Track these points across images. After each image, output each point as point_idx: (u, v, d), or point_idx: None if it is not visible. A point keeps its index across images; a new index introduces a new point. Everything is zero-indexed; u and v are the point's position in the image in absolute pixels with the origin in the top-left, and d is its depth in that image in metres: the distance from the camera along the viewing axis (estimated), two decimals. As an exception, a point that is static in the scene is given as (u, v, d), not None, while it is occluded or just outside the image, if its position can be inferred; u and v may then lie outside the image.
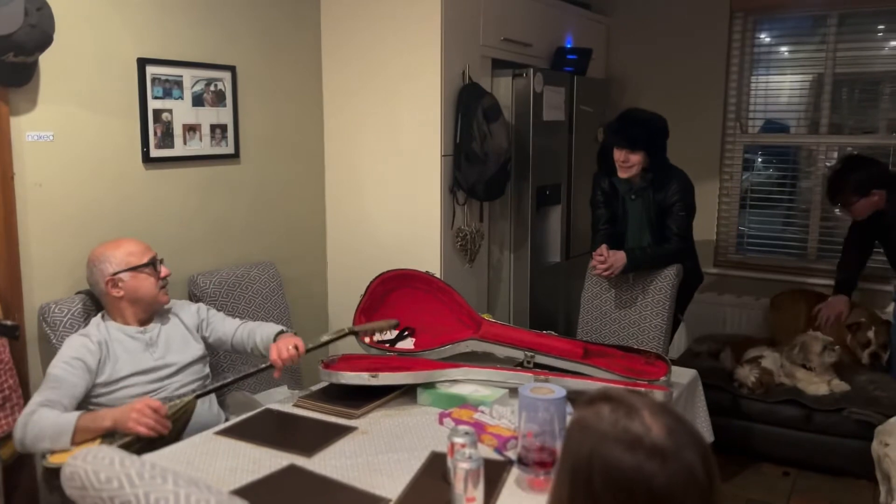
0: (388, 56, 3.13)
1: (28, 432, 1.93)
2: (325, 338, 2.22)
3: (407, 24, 3.06)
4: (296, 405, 2.14)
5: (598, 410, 0.91)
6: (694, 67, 4.29)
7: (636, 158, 2.84)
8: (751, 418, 3.32)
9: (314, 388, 2.26)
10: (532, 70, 3.39)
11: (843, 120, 4.11)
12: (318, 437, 1.91)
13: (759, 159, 4.41)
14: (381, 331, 2.20)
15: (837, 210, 3.63)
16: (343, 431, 1.95)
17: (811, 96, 4.17)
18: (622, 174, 2.91)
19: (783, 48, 4.26)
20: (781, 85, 4.25)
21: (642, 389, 2.11)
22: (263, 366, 2.15)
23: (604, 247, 2.91)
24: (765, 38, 4.28)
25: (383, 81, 3.16)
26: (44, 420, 1.93)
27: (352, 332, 2.21)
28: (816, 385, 3.26)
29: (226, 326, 2.39)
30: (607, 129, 2.98)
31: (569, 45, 3.97)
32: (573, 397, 2.01)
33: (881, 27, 3.98)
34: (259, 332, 2.32)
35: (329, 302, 3.46)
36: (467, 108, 3.09)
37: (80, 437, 1.92)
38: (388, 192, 3.23)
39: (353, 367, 2.17)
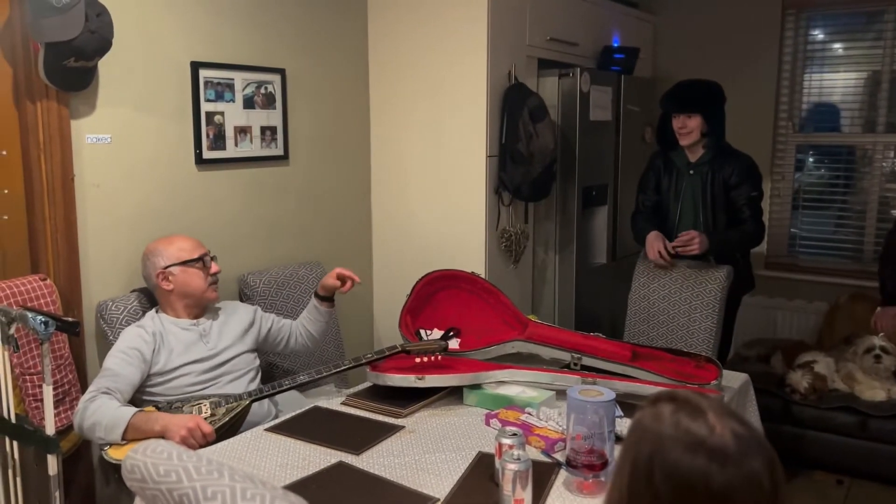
0: (433, 57, 3.15)
1: (86, 418, 2.00)
2: (372, 355, 2.24)
3: (453, 24, 3.07)
4: (344, 403, 2.17)
5: (660, 410, 0.90)
6: (744, 66, 4.21)
7: (694, 123, 2.82)
8: (803, 424, 3.25)
9: (361, 386, 2.28)
10: (579, 70, 3.36)
11: (899, 119, 3.99)
12: (365, 435, 1.93)
13: (811, 159, 4.30)
14: (432, 353, 2.21)
15: None
16: (390, 430, 1.97)
17: (866, 94, 4.05)
18: (683, 141, 2.88)
19: (837, 45, 4.15)
20: (835, 83, 4.14)
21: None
22: (317, 375, 2.19)
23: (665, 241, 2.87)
24: (818, 34, 4.17)
25: (429, 83, 3.18)
26: (102, 409, 1.99)
27: (404, 351, 2.23)
28: (874, 390, 3.17)
29: (281, 326, 2.52)
30: (662, 99, 2.96)
31: (616, 45, 3.93)
32: (621, 400, 2.00)
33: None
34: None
35: (374, 302, 3.49)
36: (513, 108, 3.09)
37: (132, 434, 1.97)
38: (434, 192, 3.24)
39: (399, 369, 2.18)
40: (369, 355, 2.21)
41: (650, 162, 3.08)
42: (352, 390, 2.28)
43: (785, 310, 4.13)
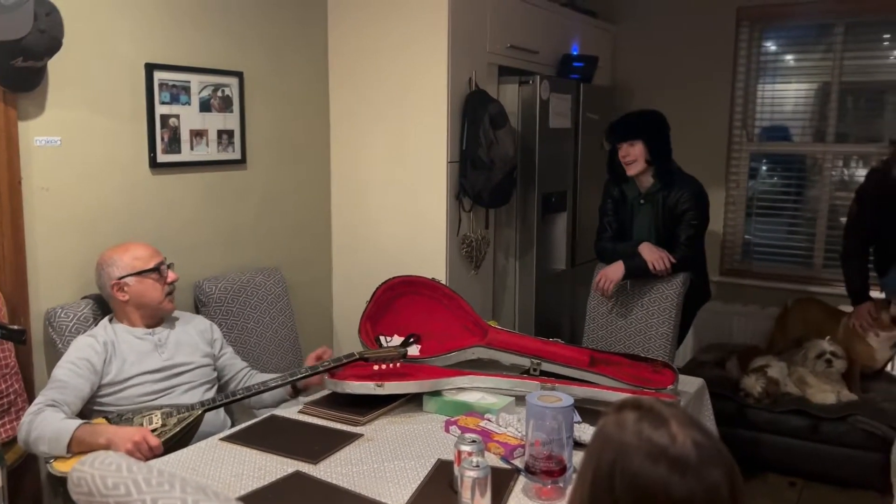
0: (394, 63, 3.14)
1: (31, 431, 1.94)
2: (330, 363, 2.20)
3: (414, 30, 3.07)
4: (301, 412, 2.13)
5: (624, 418, 0.90)
6: (700, 75, 4.29)
7: (636, 151, 2.85)
8: (756, 428, 3.31)
9: (319, 394, 2.25)
10: (538, 77, 3.39)
11: (849, 129, 4.10)
12: (323, 443, 1.91)
13: (765, 167, 4.40)
14: (391, 360, 2.18)
15: None
16: (348, 438, 1.95)
17: (817, 105, 4.16)
18: (629, 171, 2.91)
19: (789, 56, 4.26)
20: (787, 94, 4.25)
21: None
22: (273, 384, 2.15)
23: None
24: (771, 46, 4.28)
25: (390, 88, 3.17)
26: (46, 422, 1.93)
27: (362, 358, 2.20)
28: (824, 394, 3.25)
29: (232, 362, 2.41)
30: (606, 131, 2.99)
31: (575, 53, 3.97)
32: (580, 405, 2.01)
33: (887, 36, 3.97)
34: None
35: (334, 308, 3.46)
36: (474, 114, 3.09)
37: (77, 447, 1.91)
38: (394, 198, 3.22)
39: (358, 376, 2.16)
40: (327, 363, 2.19)
41: (605, 189, 3.12)
42: (309, 398, 2.25)
43: (740, 315, 4.21)
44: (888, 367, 3.49)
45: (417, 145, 3.13)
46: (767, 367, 3.40)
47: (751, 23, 4.21)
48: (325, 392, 2.23)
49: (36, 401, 1.99)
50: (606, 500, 0.87)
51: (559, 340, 2.52)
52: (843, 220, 3.83)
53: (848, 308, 3.49)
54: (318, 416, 2.09)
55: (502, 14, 3.34)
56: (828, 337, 3.35)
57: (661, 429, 0.87)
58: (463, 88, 3.12)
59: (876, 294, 3.37)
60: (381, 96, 3.19)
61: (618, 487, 0.86)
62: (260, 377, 2.37)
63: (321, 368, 2.17)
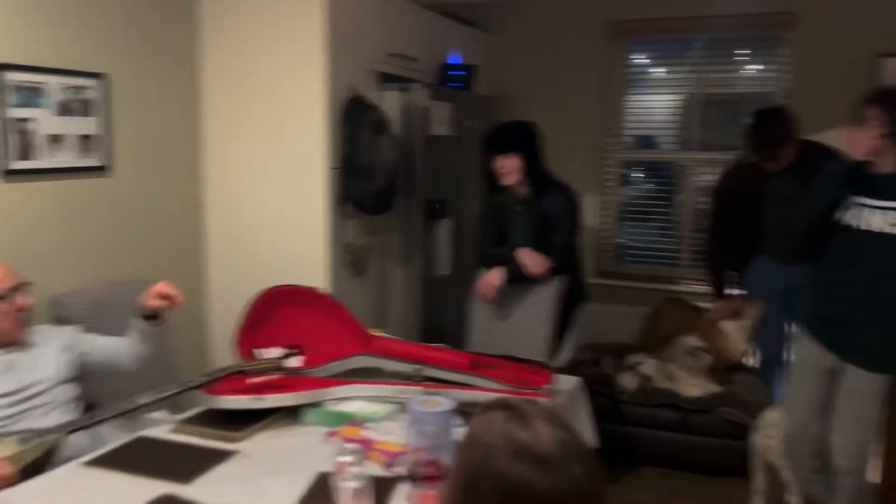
0: (271, 67, 3.06)
1: None
2: (205, 377, 2.11)
3: (291, 35, 3.01)
4: (173, 431, 2.03)
5: (492, 418, 0.92)
6: (573, 86, 4.46)
7: (511, 163, 2.92)
8: (631, 422, 3.46)
9: (193, 411, 2.15)
10: (418, 85, 3.41)
11: (712, 137, 4.39)
12: (196, 462, 1.82)
13: (638, 174, 4.63)
14: (270, 373, 2.12)
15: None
16: (224, 456, 1.87)
17: (682, 115, 4.43)
18: (504, 181, 2.98)
19: (656, 69, 4.50)
20: (655, 104, 4.49)
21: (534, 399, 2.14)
22: (144, 402, 2.03)
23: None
24: (638, 59, 4.51)
25: (267, 93, 3.09)
26: None
27: (239, 371, 2.12)
28: (692, 387, 3.44)
29: (98, 345, 2.27)
30: (482, 142, 3.05)
31: (454, 62, 4.03)
32: (461, 409, 2.03)
33: (743, 52, 4.28)
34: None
35: (210, 320, 3.32)
36: (354, 121, 3.07)
37: None
38: (274, 206, 3.14)
39: (235, 390, 2.08)
40: (200, 378, 2.09)
41: (485, 199, 3.19)
42: (182, 416, 2.14)
43: (614, 315, 4.38)
44: (746, 360, 3.74)
45: (296, 151, 3.07)
46: (640, 363, 3.56)
47: (619, 36, 4.41)
48: (200, 409, 2.13)
49: None
50: (473, 499, 0.88)
51: (442, 346, 2.53)
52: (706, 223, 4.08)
53: (709, 305, 3.72)
54: (192, 434, 2.00)
55: (382, 21, 3.34)
56: (691, 333, 3.55)
57: (525, 428, 0.89)
58: (342, 94, 3.09)
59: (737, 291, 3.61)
60: (257, 101, 3.11)
61: (484, 486, 0.87)
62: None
63: (195, 384, 2.08)
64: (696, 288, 4.23)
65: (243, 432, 1.99)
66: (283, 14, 3.01)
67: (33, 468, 1.84)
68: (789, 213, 2.84)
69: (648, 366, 3.55)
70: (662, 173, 4.55)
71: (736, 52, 4.29)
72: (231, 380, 2.14)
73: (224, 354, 3.23)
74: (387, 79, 3.44)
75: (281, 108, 3.07)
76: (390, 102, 3.42)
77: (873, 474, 2.77)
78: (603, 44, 4.40)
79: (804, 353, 2.67)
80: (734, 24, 4.14)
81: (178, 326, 3.07)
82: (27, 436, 1.92)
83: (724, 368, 3.60)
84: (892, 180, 2.42)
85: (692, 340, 3.47)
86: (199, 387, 2.08)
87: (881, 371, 2.49)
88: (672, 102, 4.46)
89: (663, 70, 4.49)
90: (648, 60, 4.52)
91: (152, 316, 2.23)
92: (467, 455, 0.92)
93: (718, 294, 3.61)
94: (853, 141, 2.44)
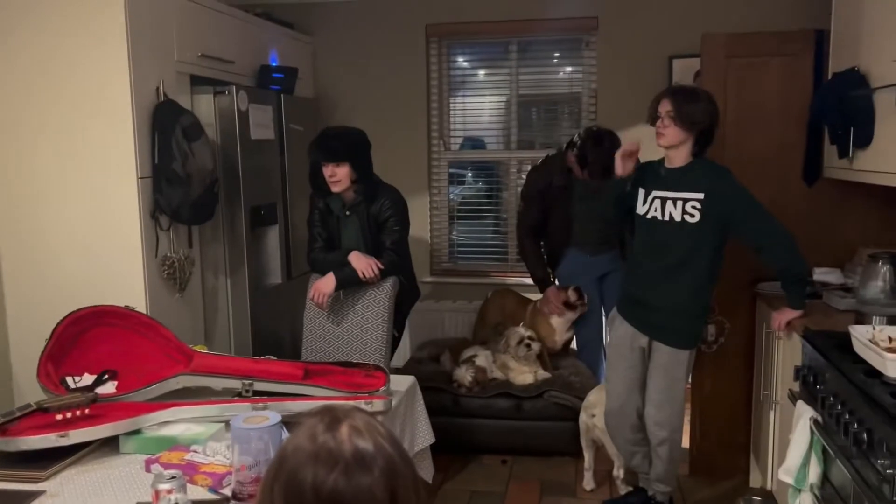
0: (68, 70, 2.80)
1: None
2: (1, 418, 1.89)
3: (87, 34, 2.77)
4: (-36, 478, 1.81)
5: (304, 424, 0.92)
6: (398, 88, 4.49)
7: (342, 171, 2.90)
8: (470, 414, 3.55)
9: (-11, 453, 1.93)
10: (234, 88, 3.28)
11: (533, 136, 4.60)
12: (-9, 511, 1.63)
13: (469, 174, 4.76)
14: (77, 406, 1.93)
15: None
16: (26, 498, 1.69)
17: (504, 116, 4.60)
18: (334, 189, 2.94)
19: (478, 72, 4.65)
20: (479, 105, 4.64)
21: (362, 402, 2.13)
22: None
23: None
24: (460, 61, 4.64)
25: (64, 98, 2.82)
26: None
27: (40, 409, 1.92)
28: (524, 375, 3.58)
29: None
30: (310, 148, 3.00)
31: (274, 64, 3.92)
32: (293, 420, 1.97)
33: (556, 54, 4.52)
34: None
35: (11, 352, 2.99)
36: (164, 126, 2.89)
37: None
38: (77, 221, 2.88)
39: (37, 427, 1.89)
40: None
41: (311, 202, 3.13)
42: (-26, 461, 1.91)
43: (450, 311, 4.49)
44: (571, 345, 3.96)
45: (100, 161, 2.84)
46: (475, 356, 3.66)
47: (438, 39, 4.51)
48: (-4, 450, 1.91)
49: None
50: (266, 500, 0.89)
51: (271, 357, 2.45)
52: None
53: (534, 295, 3.90)
54: (-14, 480, 1.79)
55: (190, 21, 3.17)
56: (521, 323, 3.71)
57: (328, 432, 0.90)
58: (150, 98, 2.90)
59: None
60: (53, 107, 2.83)
61: (275, 487, 0.88)
62: None
63: (-13, 427, 1.86)
64: (521, 279, 4.42)
65: (49, 470, 1.80)
66: (81, 14, 2.77)
67: None
68: (595, 210, 3.08)
69: (482, 357, 3.66)
70: (490, 172, 4.71)
71: (548, 54, 4.53)
72: (33, 417, 1.93)
73: (30, 387, 2.93)
74: (201, 82, 3.27)
75: (82, 115, 2.82)
76: (205, 106, 3.26)
77: (684, 441, 3.03)
78: (424, 46, 4.47)
79: (619, 334, 2.87)
80: (545, 29, 4.36)
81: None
82: None
83: (551, 355, 3.79)
84: (682, 173, 2.66)
85: (523, 330, 3.61)
86: (-8, 428, 1.87)
87: (683, 347, 2.73)
88: (494, 104, 4.62)
89: (484, 72, 4.64)
90: (470, 63, 4.66)
91: None
92: (273, 460, 0.93)
93: (540, 286, 3.80)
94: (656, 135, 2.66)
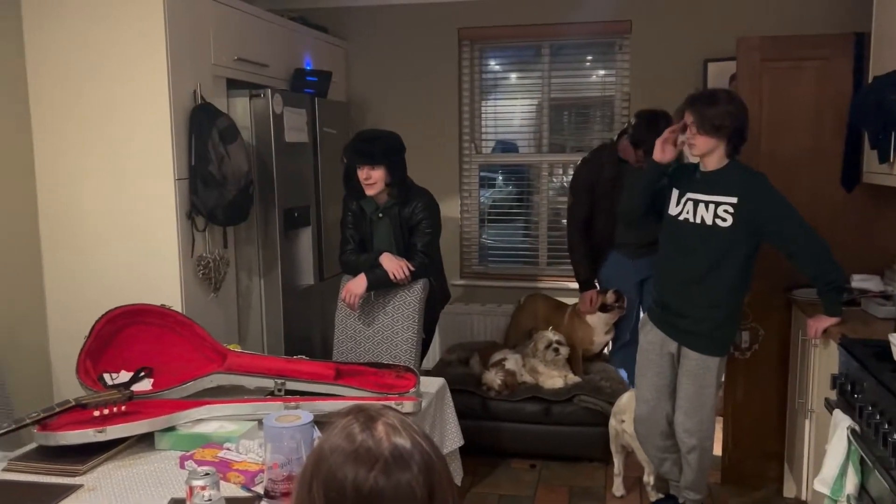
0: (109, 75, 2.87)
1: None
2: (39, 413, 1.94)
3: (129, 40, 2.83)
4: (6, 469, 1.86)
5: (339, 423, 0.93)
6: (429, 92, 4.51)
7: (378, 174, 2.91)
8: (499, 418, 3.54)
9: (29, 447, 1.98)
10: (270, 91, 3.32)
11: (563, 140, 4.58)
12: (31, 502, 1.67)
13: (500, 177, 4.76)
14: (112, 404, 1.98)
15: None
16: (65, 492, 1.73)
17: (536, 120, 4.59)
18: (368, 192, 2.96)
19: (510, 75, 4.65)
20: (511, 109, 4.63)
21: (392, 403, 2.14)
22: None
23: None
24: (492, 65, 4.64)
25: (105, 103, 2.89)
26: None
27: (78, 405, 1.97)
28: (553, 379, 3.57)
29: None
30: (345, 150, 3.02)
31: (308, 67, 3.97)
32: (325, 420, 1.99)
33: (589, 58, 4.50)
34: None
35: (51, 348, 3.07)
36: (201, 129, 2.94)
37: None
38: (117, 221, 2.95)
39: (76, 423, 1.94)
40: (34, 414, 1.92)
41: (344, 203, 3.15)
42: (17, 453, 1.97)
43: (480, 314, 4.49)
44: (605, 350, 3.94)
45: (139, 163, 2.90)
46: (504, 360, 3.66)
47: (471, 42, 4.52)
48: (35, 444, 1.97)
49: None
50: (306, 497, 0.89)
51: (303, 357, 2.48)
52: (563, 221, 4.26)
53: (570, 300, 3.88)
54: (27, 472, 1.84)
55: (227, 25, 3.23)
56: (550, 328, 3.69)
57: (365, 431, 0.90)
58: (188, 101, 2.95)
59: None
60: (96, 111, 2.90)
61: (315, 485, 0.88)
62: None
63: (29, 421, 1.91)
64: (554, 284, 4.40)
65: (87, 465, 1.85)
66: (121, 18, 2.84)
67: None
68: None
69: (512, 361, 3.65)
70: (521, 176, 4.70)
71: (580, 58, 4.51)
72: (71, 413, 1.98)
73: (70, 384, 3.00)
74: (237, 85, 3.32)
75: (122, 119, 2.88)
76: (241, 109, 3.31)
77: (716, 448, 2.99)
78: (457, 50, 4.48)
79: (649, 339, 2.84)
80: (578, 32, 4.34)
81: (18, 360, 2.83)
82: None
83: (583, 359, 3.77)
84: (717, 176, 2.63)
85: (551, 335, 3.60)
86: (35, 423, 1.91)
87: (712, 353, 2.70)
88: (526, 107, 4.61)
89: (516, 76, 4.64)
90: (502, 66, 4.66)
91: None
92: (308, 459, 0.93)
93: (582, 286, 3.75)
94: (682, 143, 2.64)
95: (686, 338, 2.73)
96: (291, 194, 3.55)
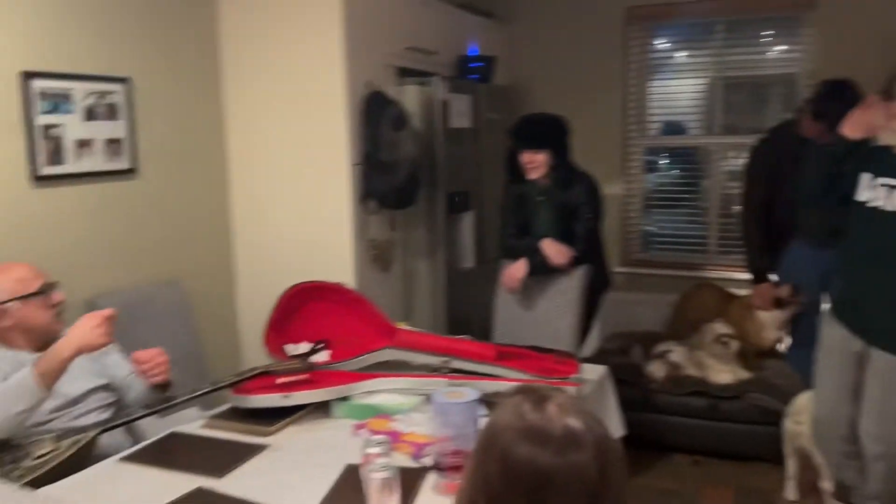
0: (290, 65, 3.09)
1: None
2: (232, 378, 2.14)
3: (308, 31, 3.03)
4: (204, 427, 2.07)
5: (510, 401, 0.95)
6: (594, 73, 4.43)
7: (541, 158, 2.91)
8: (661, 410, 3.44)
9: (222, 408, 2.19)
10: (437, 78, 3.42)
11: (737, 121, 4.33)
12: (227, 457, 1.86)
13: (663, 161, 4.59)
14: (294, 372, 2.15)
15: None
16: (255, 450, 1.90)
17: (706, 99, 4.37)
18: (531, 175, 2.97)
19: (678, 54, 4.45)
20: (679, 89, 4.44)
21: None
22: (174, 402, 2.07)
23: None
24: (660, 43, 4.47)
25: (287, 91, 3.12)
26: None
27: (266, 373, 2.15)
28: (722, 374, 3.41)
29: (119, 368, 2.28)
30: (510, 134, 3.04)
31: (473, 53, 4.03)
32: (487, 399, 2.04)
33: (766, 33, 4.21)
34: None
35: (239, 318, 3.37)
36: (374, 116, 3.09)
37: (48, 381, 1.86)
38: (298, 202, 3.18)
39: (263, 388, 2.12)
40: (229, 378, 2.12)
41: (506, 189, 3.17)
42: (213, 412, 2.18)
43: (642, 303, 4.35)
44: (778, 346, 3.69)
45: (318, 149, 3.10)
46: (669, 352, 3.54)
47: (639, 22, 4.37)
48: (228, 405, 2.17)
49: None
50: (480, 473, 0.91)
51: (468, 337, 2.55)
52: (736, 208, 4.03)
53: (740, 291, 3.67)
54: (222, 430, 2.04)
55: (399, 16, 3.35)
56: (720, 320, 3.52)
57: (537, 410, 0.92)
58: (362, 90, 3.11)
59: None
60: (279, 99, 3.14)
61: (490, 464, 0.90)
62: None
63: (223, 384, 2.11)
64: (724, 274, 4.19)
65: (274, 427, 2.02)
66: (300, 12, 3.03)
67: (70, 465, 1.88)
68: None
69: (677, 353, 3.53)
70: (689, 159, 4.50)
71: (757, 33, 4.22)
72: (259, 379, 2.17)
73: (254, 351, 3.28)
74: (405, 73, 3.45)
75: (303, 106, 3.10)
76: (410, 97, 3.43)
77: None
78: (623, 30, 4.36)
79: (832, 336, 2.63)
80: (755, 6, 4.07)
81: (210, 326, 3.14)
82: (61, 434, 1.97)
83: (755, 354, 3.56)
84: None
85: (720, 327, 3.43)
86: (229, 386, 2.12)
87: (908, 354, 2.45)
88: (696, 87, 4.40)
89: (686, 54, 4.44)
90: (670, 45, 4.47)
91: (161, 385, 2.16)
92: (480, 436, 0.96)
93: (757, 279, 3.53)
94: (877, 116, 2.38)
95: (874, 337, 2.49)
96: (454, 179, 3.64)
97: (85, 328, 1.89)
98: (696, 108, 4.42)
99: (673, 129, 4.52)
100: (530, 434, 0.89)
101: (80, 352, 1.87)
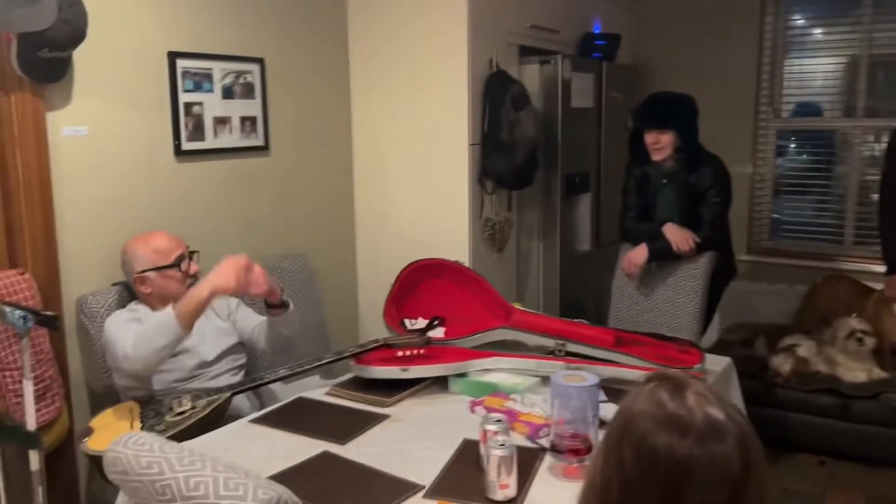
0: (414, 45, 3.13)
1: (140, 349, 1.99)
2: (355, 349, 2.21)
3: (433, 12, 3.05)
4: (328, 394, 2.16)
5: (645, 387, 0.93)
6: (724, 52, 4.22)
7: (667, 139, 2.81)
8: (786, 407, 3.28)
9: (345, 377, 2.28)
10: (560, 57, 3.36)
11: (880, 103, 4.01)
12: (350, 424, 1.93)
13: (793, 145, 4.33)
14: (414, 347, 2.20)
15: None
16: (375, 419, 1.97)
17: (846, 79, 4.08)
18: (655, 156, 2.88)
19: (816, 30, 4.17)
20: (815, 68, 4.16)
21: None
22: (300, 369, 2.17)
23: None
24: (797, 20, 4.19)
25: (410, 71, 3.16)
26: (143, 332, 2.01)
27: (386, 345, 2.22)
28: (855, 372, 3.21)
29: (248, 321, 2.42)
30: (634, 114, 2.95)
31: (597, 31, 3.93)
32: (606, 385, 2.01)
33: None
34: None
35: (359, 292, 3.48)
36: (495, 96, 3.08)
37: (187, 320, 2.00)
38: (417, 181, 3.23)
39: (383, 360, 2.18)
40: (352, 349, 2.20)
41: (628, 169, 3.08)
42: (336, 380, 2.27)
43: (767, 294, 4.15)
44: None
45: (438, 128, 3.13)
46: (796, 346, 3.36)
47: (776, -3, 4.12)
48: (351, 374, 2.25)
49: (122, 345, 2.05)
50: (614, 458, 0.90)
51: (584, 321, 2.51)
52: (875, 196, 3.74)
53: (877, 285, 3.43)
54: (345, 398, 2.12)
55: (522, -6, 3.31)
56: (855, 314, 3.29)
57: (675, 398, 0.89)
58: (484, 69, 3.11)
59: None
60: (402, 79, 3.19)
61: (625, 450, 0.89)
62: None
63: (346, 354, 2.19)
64: (861, 266, 3.91)
65: (393, 398, 2.08)
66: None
67: (206, 423, 2.02)
68: None
69: (805, 348, 3.34)
70: (823, 143, 4.22)
71: (913, 6, 3.88)
72: (380, 351, 2.24)
73: (373, 324, 3.38)
74: (528, 52, 3.41)
75: (425, 86, 3.13)
76: (531, 76, 3.40)
77: None
78: (758, 6, 4.12)
79: None
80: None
81: (332, 298, 3.26)
82: (198, 394, 2.11)
83: (891, 352, 3.32)
84: None
85: (855, 322, 3.22)
86: (351, 356, 2.20)
87: None
88: (833, 66, 4.11)
89: (823, 31, 4.14)
90: (807, 21, 4.19)
91: (277, 305, 2.27)
92: (614, 421, 0.94)
93: (892, 269, 3.28)
94: None
95: None
96: (573, 160, 3.58)
97: (220, 272, 2.01)
98: (833, 89, 4.13)
99: (807, 110, 4.25)
100: (669, 423, 0.87)
101: (214, 293, 2.00)
